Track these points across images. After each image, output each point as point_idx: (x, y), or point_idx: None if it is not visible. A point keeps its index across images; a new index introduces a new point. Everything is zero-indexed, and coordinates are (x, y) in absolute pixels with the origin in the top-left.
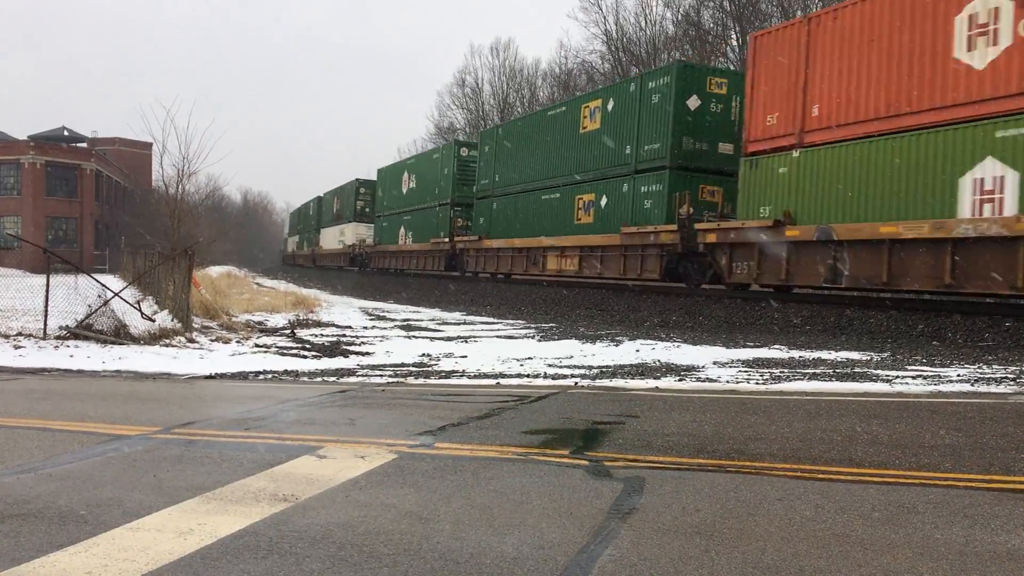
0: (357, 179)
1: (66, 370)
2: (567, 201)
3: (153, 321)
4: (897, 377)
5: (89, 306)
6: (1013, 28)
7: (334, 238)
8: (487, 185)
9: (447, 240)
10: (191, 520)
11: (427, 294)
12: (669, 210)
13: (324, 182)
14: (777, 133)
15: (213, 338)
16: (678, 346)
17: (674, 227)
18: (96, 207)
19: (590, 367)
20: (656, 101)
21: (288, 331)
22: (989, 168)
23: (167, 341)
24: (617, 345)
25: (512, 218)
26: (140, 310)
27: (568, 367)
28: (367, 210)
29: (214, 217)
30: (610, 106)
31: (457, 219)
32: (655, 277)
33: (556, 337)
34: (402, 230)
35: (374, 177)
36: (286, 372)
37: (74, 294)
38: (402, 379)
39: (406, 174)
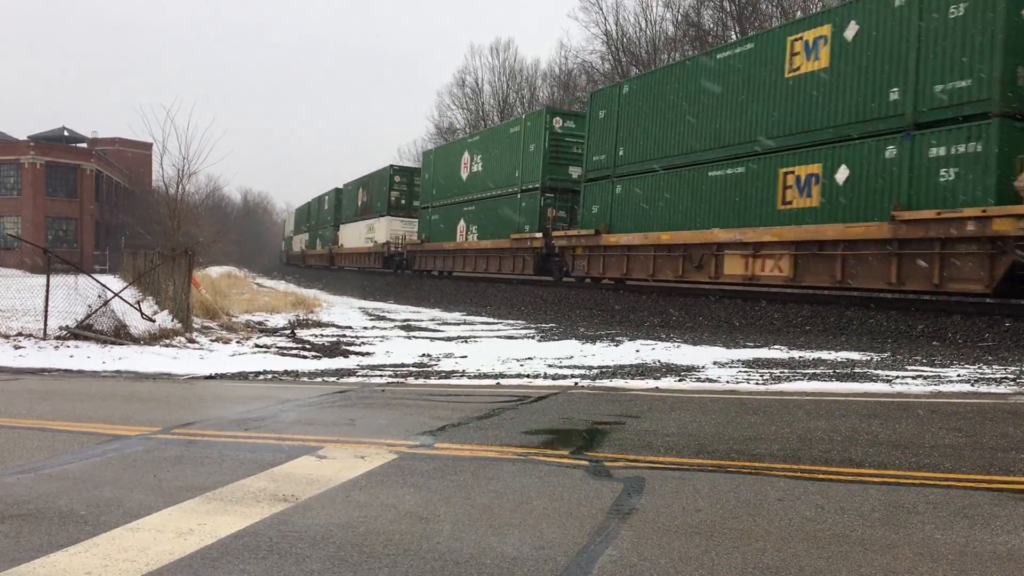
0: (392, 165)
1: (66, 370)
2: (761, 177)
3: (153, 321)
4: (897, 377)
5: (89, 306)
6: None
7: (359, 235)
8: (602, 162)
9: (539, 236)
10: (191, 520)
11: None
12: (999, 182)
13: (324, 182)
14: None
15: (213, 338)
16: (678, 346)
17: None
18: (96, 207)
19: (590, 367)
20: (960, 14)
21: (288, 331)
22: None
23: (167, 341)
24: (617, 345)
25: (649, 204)
26: (140, 310)
27: (568, 367)
28: (403, 202)
29: (214, 217)
30: (850, 32)
31: (549, 209)
32: (978, 289)
33: (556, 337)
34: (462, 224)
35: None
36: (286, 372)
37: (74, 294)
38: (402, 379)
39: (467, 155)
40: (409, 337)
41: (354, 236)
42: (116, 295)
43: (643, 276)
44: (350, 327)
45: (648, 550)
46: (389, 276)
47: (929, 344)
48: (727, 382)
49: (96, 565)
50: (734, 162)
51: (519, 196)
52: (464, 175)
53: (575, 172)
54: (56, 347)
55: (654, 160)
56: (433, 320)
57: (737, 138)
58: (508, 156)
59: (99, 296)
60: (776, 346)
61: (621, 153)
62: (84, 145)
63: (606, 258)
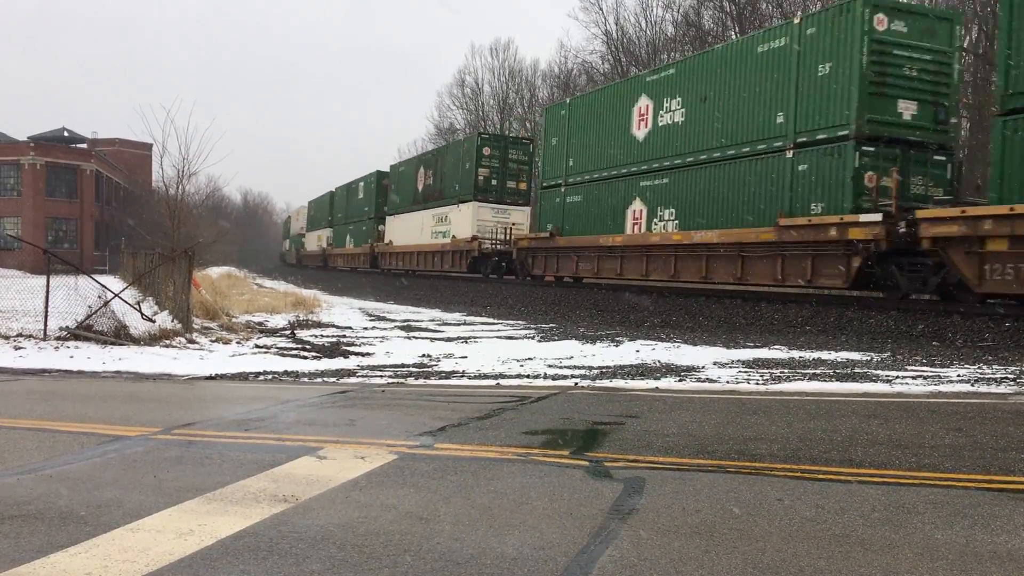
0: (480, 134)
1: (66, 371)
2: None
3: (153, 322)
4: (897, 377)
5: (89, 307)
6: None
7: (421, 229)
8: None
9: (874, 219)
10: (191, 521)
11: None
12: None
13: (324, 182)
14: None
15: (213, 339)
16: (678, 346)
17: None
18: (96, 208)
19: (590, 367)
20: None
21: (288, 332)
22: None
23: (167, 342)
24: (617, 345)
25: None
26: (140, 311)
27: (568, 367)
28: (494, 183)
29: (214, 218)
30: None
31: (868, 174)
32: None
33: (556, 338)
34: (637, 207)
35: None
36: (286, 373)
37: (74, 295)
38: (402, 380)
39: (645, 101)
40: (409, 337)
41: (412, 230)
42: (116, 296)
43: None
44: (350, 327)
45: (648, 550)
46: (485, 284)
47: (929, 344)
48: (727, 382)
49: (96, 566)
50: None
51: (790, 156)
52: (640, 133)
53: (907, 110)
54: (56, 348)
55: None
56: (433, 320)
57: None
58: (753, 91)
59: (99, 297)
60: (776, 346)
61: None
62: (84, 146)
63: None
